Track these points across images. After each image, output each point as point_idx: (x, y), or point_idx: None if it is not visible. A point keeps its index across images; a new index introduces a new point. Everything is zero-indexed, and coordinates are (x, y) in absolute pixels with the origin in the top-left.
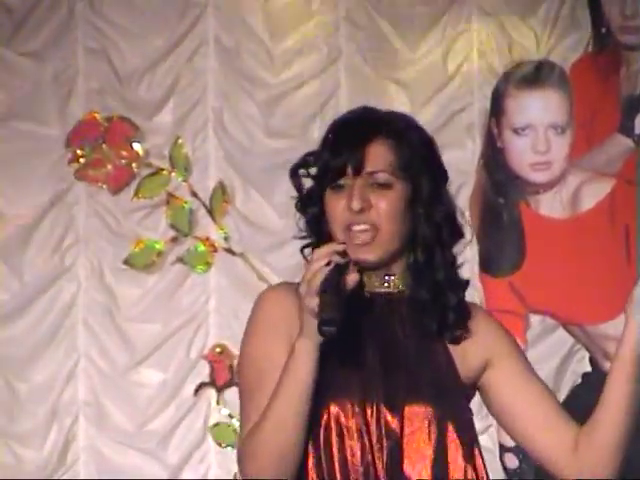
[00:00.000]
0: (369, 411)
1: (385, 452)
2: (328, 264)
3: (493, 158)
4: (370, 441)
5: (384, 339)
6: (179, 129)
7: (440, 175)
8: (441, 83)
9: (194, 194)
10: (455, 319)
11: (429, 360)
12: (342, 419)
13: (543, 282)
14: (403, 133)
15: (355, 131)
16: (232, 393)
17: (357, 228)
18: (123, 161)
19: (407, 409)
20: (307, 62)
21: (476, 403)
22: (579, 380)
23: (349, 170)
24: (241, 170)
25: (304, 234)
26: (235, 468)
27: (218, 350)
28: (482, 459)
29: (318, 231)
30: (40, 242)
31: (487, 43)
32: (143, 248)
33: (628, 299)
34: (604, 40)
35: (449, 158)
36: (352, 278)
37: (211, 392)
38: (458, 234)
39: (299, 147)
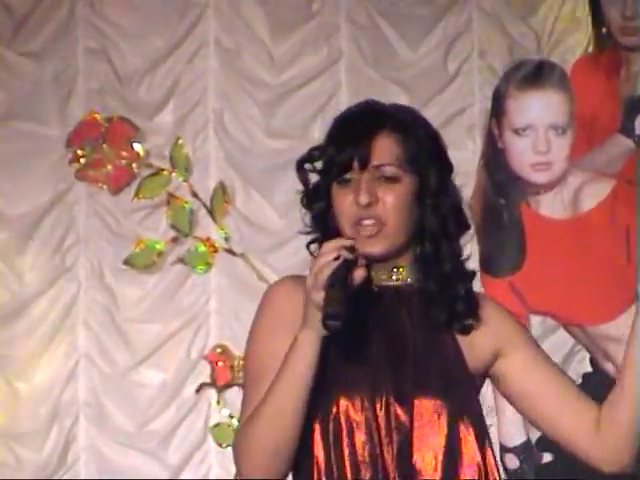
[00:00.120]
0: (378, 405)
1: (395, 445)
2: (336, 259)
3: (494, 158)
4: (379, 435)
5: (392, 332)
6: (179, 129)
7: (446, 167)
8: (442, 83)
9: (194, 194)
10: (464, 309)
11: (437, 352)
12: (351, 413)
13: (544, 283)
14: (409, 126)
15: (361, 125)
16: (233, 393)
17: (365, 222)
18: (123, 161)
19: (416, 402)
20: (308, 63)
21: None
22: (580, 381)
23: (355, 164)
24: (242, 170)
25: (309, 229)
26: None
27: (219, 350)
28: (492, 451)
29: (324, 226)
30: (40, 242)
31: (487, 43)
32: (143, 248)
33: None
34: (604, 41)
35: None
36: (359, 274)
37: (212, 392)
38: (464, 225)
39: (300, 147)
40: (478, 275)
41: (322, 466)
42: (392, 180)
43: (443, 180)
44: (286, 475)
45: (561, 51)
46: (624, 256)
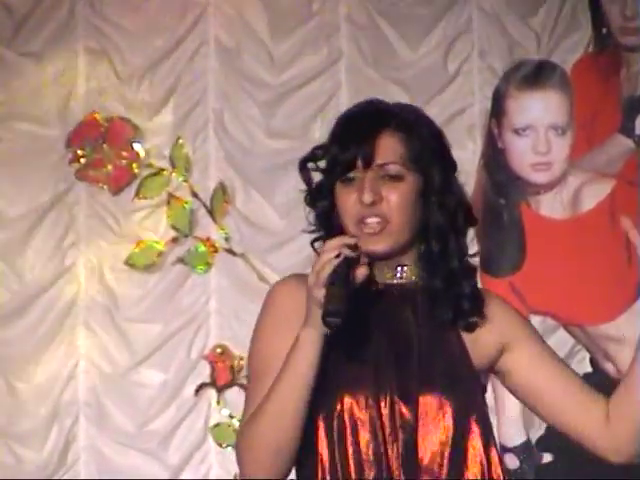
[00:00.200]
0: (382, 403)
1: (400, 443)
2: (338, 256)
3: (494, 159)
4: (383, 433)
5: (397, 331)
6: (180, 129)
7: (450, 165)
8: (442, 84)
9: (195, 194)
10: (470, 307)
11: (442, 350)
12: (355, 411)
13: (544, 283)
14: (413, 125)
15: (364, 124)
16: (233, 393)
17: (369, 221)
18: (124, 161)
19: (421, 400)
20: (308, 62)
21: None
22: None
23: (359, 163)
24: (242, 170)
25: (313, 228)
26: (236, 468)
27: (219, 350)
28: (497, 448)
29: (328, 225)
30: (40, 242)
31: (487, 43)
32: (144, 248)
33: None
34: (604, 41)
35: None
36: (361, 272)
37: (212, 392)
38: (471, 220)
39: (300, 148)
40: (478, 275)
41: (326, 464)
42: (396, 179)
43: (447, 178)
44: (288, 474)
45: (561, 51)
46: (624, 256)
